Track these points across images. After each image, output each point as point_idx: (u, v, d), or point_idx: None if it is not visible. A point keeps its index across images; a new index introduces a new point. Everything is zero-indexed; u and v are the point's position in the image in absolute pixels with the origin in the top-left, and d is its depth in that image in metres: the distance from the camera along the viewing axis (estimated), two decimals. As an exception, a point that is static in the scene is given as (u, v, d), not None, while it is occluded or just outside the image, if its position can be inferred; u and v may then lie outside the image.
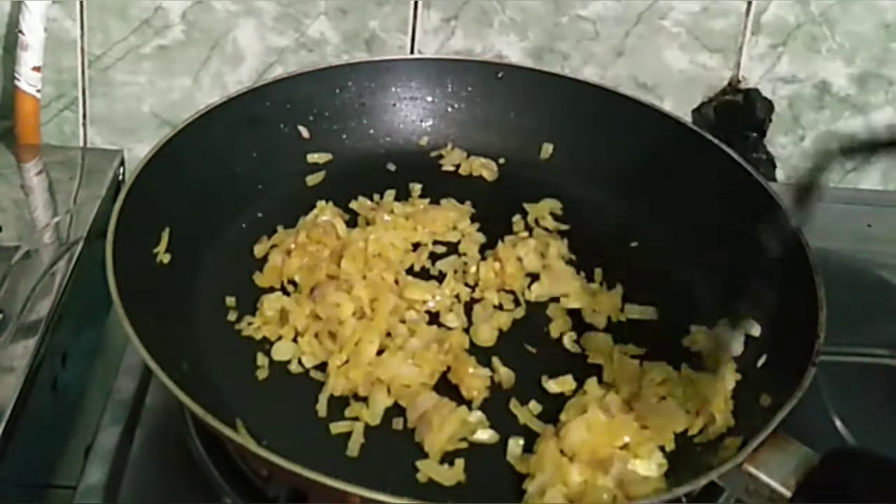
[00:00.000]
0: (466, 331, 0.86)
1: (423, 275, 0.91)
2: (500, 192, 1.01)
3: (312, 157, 1.00)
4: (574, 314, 0.89)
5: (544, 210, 0.97)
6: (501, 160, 1.03)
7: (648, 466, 0.75)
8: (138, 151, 1.14)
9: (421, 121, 1.04)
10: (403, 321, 0.86)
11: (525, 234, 0.95)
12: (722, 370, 0.81)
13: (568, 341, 0.87)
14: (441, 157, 1.03)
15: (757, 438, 0.70)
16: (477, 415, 0.80)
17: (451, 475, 0.76)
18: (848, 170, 1.23)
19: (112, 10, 1.11)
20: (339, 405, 0.80)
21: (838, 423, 0.88)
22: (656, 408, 0.78)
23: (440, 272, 0.91)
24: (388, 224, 0.93)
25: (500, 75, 1.04)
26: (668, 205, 0.96)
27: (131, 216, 0.83)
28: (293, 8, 1.12)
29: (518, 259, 0.91)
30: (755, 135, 1.19)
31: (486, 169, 1.02)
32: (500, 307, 0.89)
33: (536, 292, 0.90)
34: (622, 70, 1.16)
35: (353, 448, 0.78)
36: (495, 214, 0.98)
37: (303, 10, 1.12)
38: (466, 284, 0.90)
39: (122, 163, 1.12)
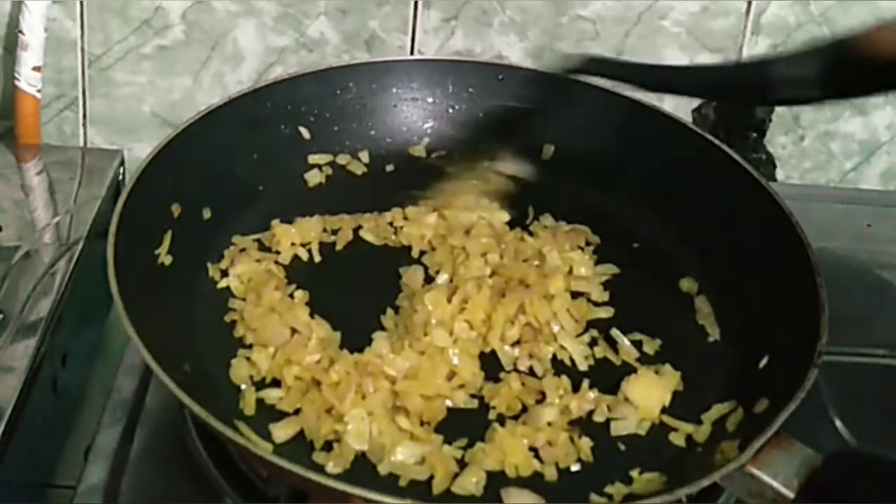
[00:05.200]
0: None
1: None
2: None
3: (313, 158, 1.00)
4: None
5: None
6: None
7: None
8: (138, 151, 1.14)
9: (422, 122, 1.04)
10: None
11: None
12: None
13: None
14: (442, 158, 1.03)
15: (759, 439, 0.70)
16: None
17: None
18: (847, 170, 1.23)
19: (112, 10, 1.11)
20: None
21: (838, 423, 0.88)
22: None
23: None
24: None
25: (500, 77, 1.03)
26: (668, 205, 0.96)
27: (132, 217, 0.83)
28: (293, 8, 1.12)
29: None
30: (755, 135, 1.19)
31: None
32: None
33: None
34: (622, 70, 1.16)
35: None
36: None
37: (303, 10, 1.12)
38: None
39: (122, 163, 1.12)
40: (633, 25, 1.14)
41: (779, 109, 1.18)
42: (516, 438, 0.78)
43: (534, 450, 0.78)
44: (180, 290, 0.86)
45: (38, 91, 1.10)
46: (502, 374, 0.83)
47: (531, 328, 0.86)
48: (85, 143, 1.17)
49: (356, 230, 0.95)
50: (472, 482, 0.75)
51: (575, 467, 0.78)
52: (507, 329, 0.85)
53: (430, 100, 1.03)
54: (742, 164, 0.94)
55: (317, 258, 0.93)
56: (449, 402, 0.81)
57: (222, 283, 0.89)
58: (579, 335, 0.87)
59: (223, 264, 0.90)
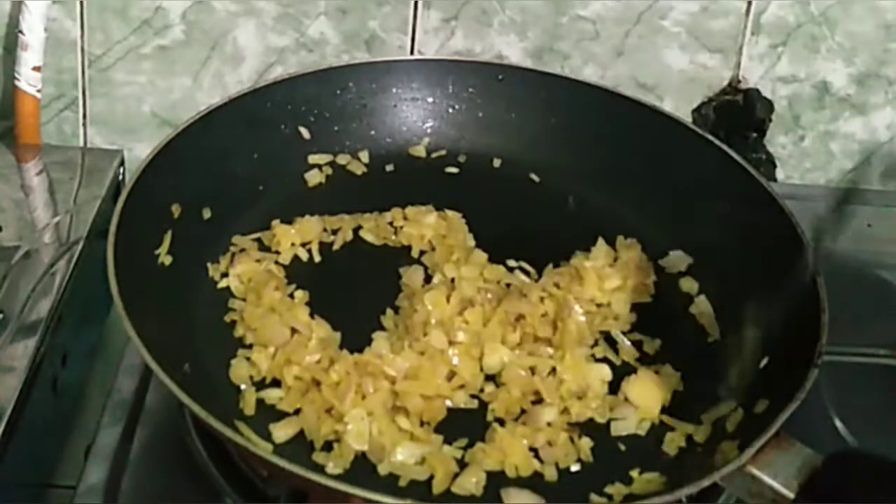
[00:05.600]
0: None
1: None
2: (500, 194, 1.00)
3: (313, 158, 1.00)
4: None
5: None
6: (500, 161, 1.03)
7: None
8: (138, 151, 1.14)
9: (422, 122, 1.04)
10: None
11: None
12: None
13: None
14: (442, 158, 1.03)
15: (759, 440, 0.70)
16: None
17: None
18: (847, 170, 1.23)
19: (112, 10, 1.11)
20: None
21: (838, 423, 0.88)
22: None
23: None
24: None
25: (500, 77, 1.04)
26: (668, 205, 0.96)
27: (132, 217, 0.83)
28: (293, 8, 1.12)
29: None
30: (755, 135, 1.19)
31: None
32: None
33: None
34: (622, 70, 1.16)
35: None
36: (494, 216, 0.98)
37: (303, 10, 1.12)
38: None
39: (122, 163, 1.12)
40: (633, 25, 1.14)
41: (779, 109, 1.18)
42: (516, 439, 0.78)
43: (534, 450, 0.78)
44: (180, 290, 0.86)
45: (38, 91, 1.10)
46: (502, 376, 0.83)
47: (531, 334, 0.86)
48: (85, 143, 1.17)
49: (356, 230, 0.95)
50: (471, 482, 0.75)
51: (575, 467, 0.78)
52: (507, 332, 0.85)
53: (430, 100, 1.04)
54: (742, 164, 0.94)
55: (317, 258, 0.93)
56: (449, 403, 0.81)
57: (222, 284, 0.89)
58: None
59: (223, 264, 0.90)
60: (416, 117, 1.04)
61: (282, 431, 0.78)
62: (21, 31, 1.07)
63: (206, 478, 0.79)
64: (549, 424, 0.79)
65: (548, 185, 1.01)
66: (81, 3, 1.11)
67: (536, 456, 0.78)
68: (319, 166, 1.00)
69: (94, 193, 1.05)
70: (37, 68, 1.09)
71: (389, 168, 1.02)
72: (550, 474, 0.77)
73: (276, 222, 0.93)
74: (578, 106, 1.02)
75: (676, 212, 0.96)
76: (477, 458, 0.77)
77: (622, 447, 0.79)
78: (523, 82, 1.03)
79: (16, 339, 0.88)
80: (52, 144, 1.14)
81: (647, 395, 0.82)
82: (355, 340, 0.84)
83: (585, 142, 1.01)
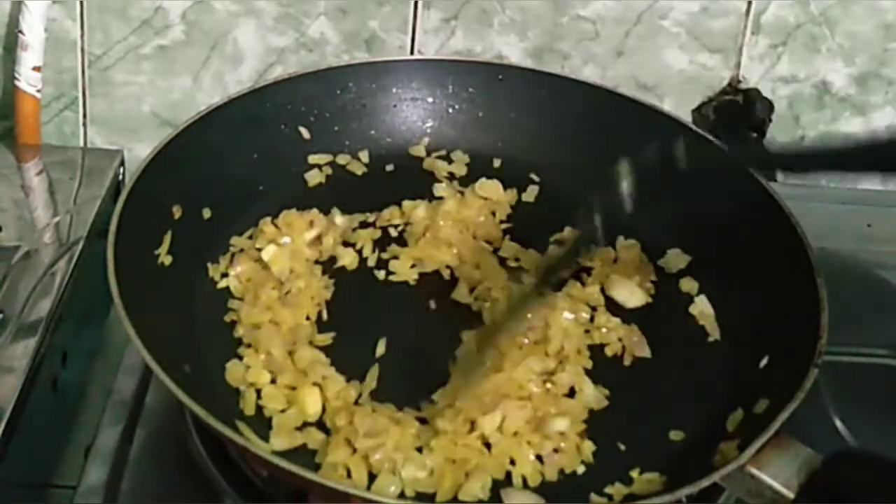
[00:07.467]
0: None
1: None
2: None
3: (313, 158, 1.00)
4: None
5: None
6: (500, 161, 1.03)
7: None
8: (138, 151, 1.14)
9: (422, 122, 1.04)
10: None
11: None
12: None
13: None
14: (442, 158, 1.03)
15: (759, 440, 0.70)
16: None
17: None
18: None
19: (112, 10, 1.11)
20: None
21: (838, 423, 0.88)
22: None
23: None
24: None
25: (500, 77, 1.04)
26: (668, 205, 0.96)
27: (132, 217, 0.83)
28: (293, 8, 1.12)
29: None
30: (755, 135, 1.19)
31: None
32: None
33: None
34: (622, 70, 1.16)
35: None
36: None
37: (303, 10, 1.12)
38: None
39: (122, 163, 1.12)
40: (633, 25, 1.14)
41: (778, 109, 1.18)
42: (523, 448, 0.77)
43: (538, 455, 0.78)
44: (180, 291, 0.86)
45: (38, 91, 1.10)
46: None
47: None
48: (85, 143, 1.17)
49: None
50: (477, 487, 0.75)
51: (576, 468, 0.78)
52: None
53: (430, 100, 1.04)
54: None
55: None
56: None
57: (222, 284, 0.89)
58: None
59: (223, 264, 0.90)
60: (416, 117, 1.04)
61: (279, 441, 0.78)
62: (21, 31, 1.07)
63: (206, 478, 0.79)
64: (561, 434, 0.79)
65: (548, 185, 1.01)
66: (81, 3, 1.11)
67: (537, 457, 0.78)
68: (319, 166, 1.00)
69: (94, 193, 1.05)
70: (37, 68, 1.09)
71: (389, 168, 1.02)
72: (551, 475, 0.77)
73: (264, 220, 0.93)
74: (578, 106, 1.02)
75: (676, 212, 0.96)
76: (480, 466, 0.76)
77: (622, 447, 0.79)
78: (523, 82, 1.03)
79: (16, 339, 0.88)
80: (52, 144, 1.14)
81: None
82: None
83: (586, 142, 1.01)
